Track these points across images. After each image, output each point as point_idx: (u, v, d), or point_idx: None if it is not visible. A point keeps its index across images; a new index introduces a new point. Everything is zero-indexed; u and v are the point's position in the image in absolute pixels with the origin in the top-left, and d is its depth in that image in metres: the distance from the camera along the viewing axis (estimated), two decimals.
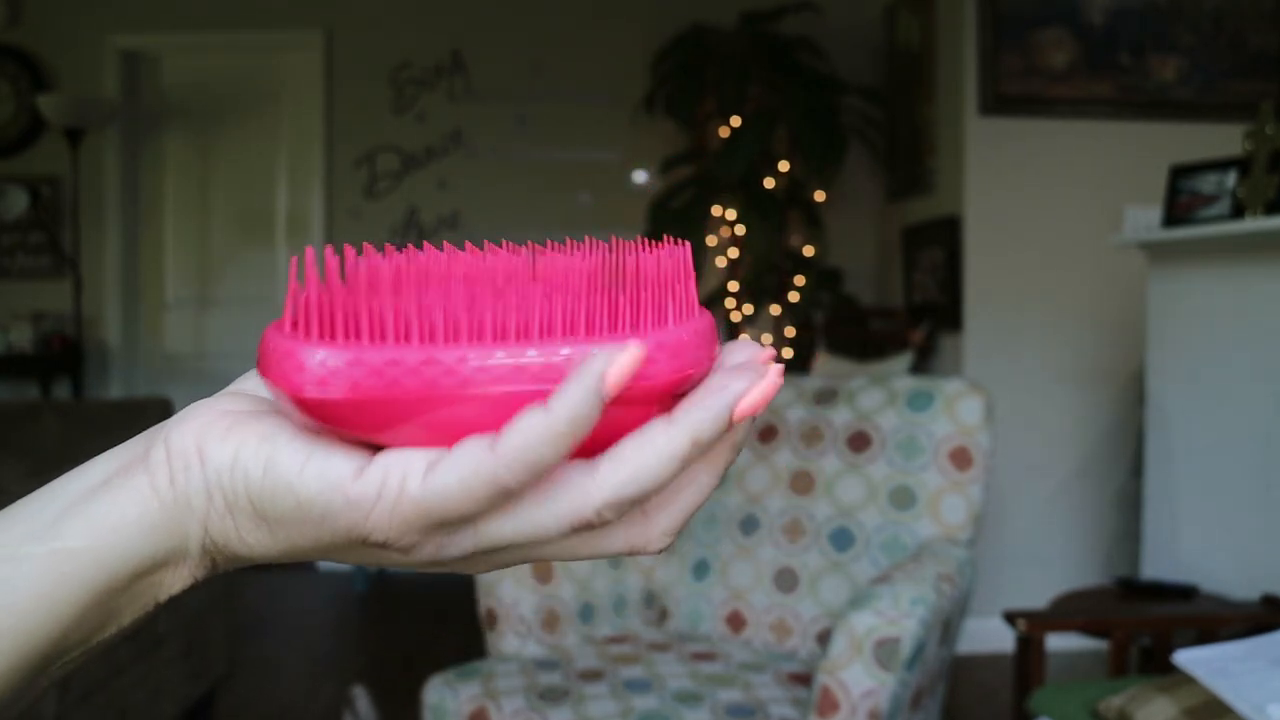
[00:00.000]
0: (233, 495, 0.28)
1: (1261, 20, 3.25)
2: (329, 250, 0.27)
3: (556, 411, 0.25)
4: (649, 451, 0.27)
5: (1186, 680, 1.49)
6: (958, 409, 2.02)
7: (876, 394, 2.13)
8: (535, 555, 0.30)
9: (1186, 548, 2.31)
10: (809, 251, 3.99)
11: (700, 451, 0.27)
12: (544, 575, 2.04)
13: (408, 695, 2.75)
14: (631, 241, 0.30)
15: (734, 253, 3.99)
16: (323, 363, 0.26)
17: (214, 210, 4.50)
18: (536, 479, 0.26)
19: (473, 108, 4.35)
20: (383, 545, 0.27)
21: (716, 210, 3.91)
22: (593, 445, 0.28)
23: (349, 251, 0.27)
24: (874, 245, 4.26)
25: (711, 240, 4.00)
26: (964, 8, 3.21)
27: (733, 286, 3.96)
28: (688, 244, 0.31)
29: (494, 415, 0.27)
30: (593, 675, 1.83)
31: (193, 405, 0.30)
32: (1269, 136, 2.10)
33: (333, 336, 0.27)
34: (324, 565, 4.40)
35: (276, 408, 0.29)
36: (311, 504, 0.27)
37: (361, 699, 2.01)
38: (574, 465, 0.28)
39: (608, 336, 0.28)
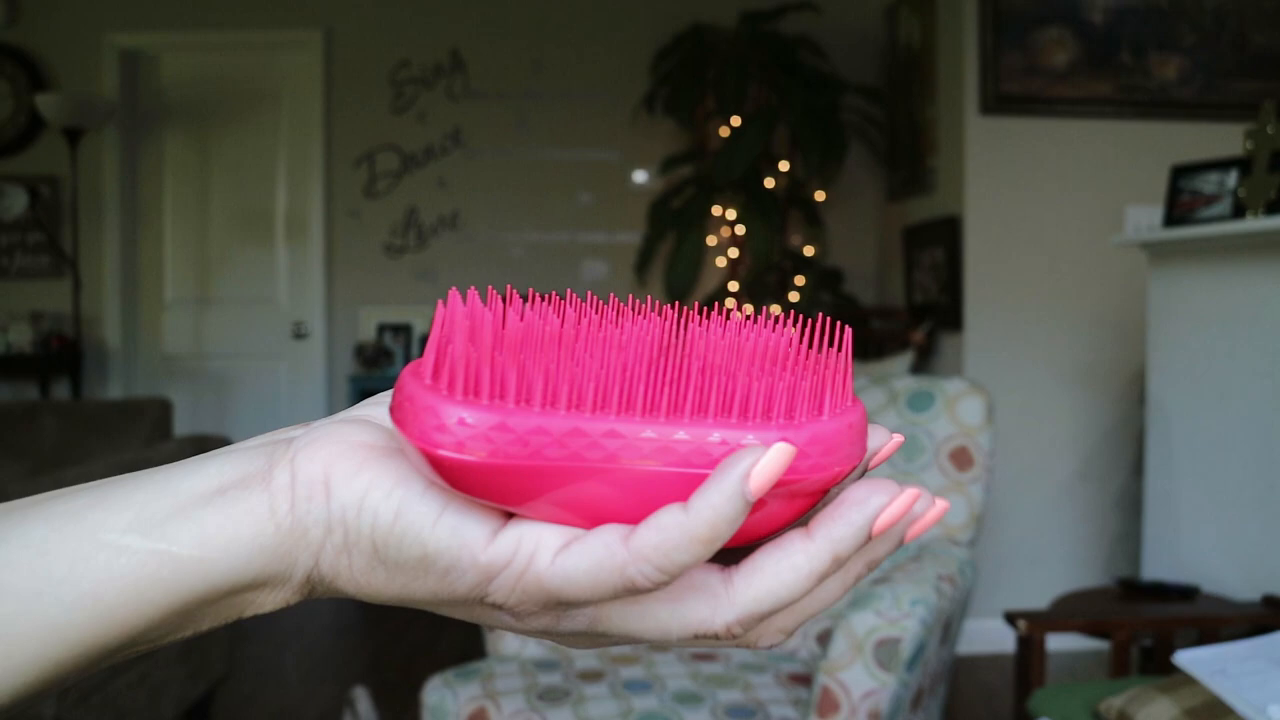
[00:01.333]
0: (355, 535, 0.27)
1: (1263, 20, 3.25)
2: (474, 296, 0.26)
3: (697, 513, 0.24)
4: (787, 569, 0.26)
5: (1187, 681, 1.48)
6: (958, 409, 2.02)
7: (877, 394, 2.12)
8: (647, 642, 0.29)
9: (1187, 548, 2.31)
10: (809, 251, 3.99)
11: (839, 567, 0.27)
12: None
13: (407, 695, 2.75)
14: (791, 320, 0.29)
15: (734, 253, 3.98)
16: (463, 422, 0.25)
17: (213, 210, 4.49)
18: (668, 581, 0.25)
19: (473, 107, 4.35)
20: (498, 608, 0.27)
21: (716, 210, 3.91)
22: (734, 538, 0.27)
23: (495, 300, 0.26)
24: (874, 245, 4.25)
25: (711, 240, 3.99)
26: (964, 7, 3.21)
27: (733, 286, 3.96)
28: (849, 329, 0.29)
29: (635, 495, 0.26)
30: (592, 676, 1.82)
31: (322, 426, 0.29)
32: (1270, 136, 2.10)
33: (476, 394, 0.25)
34: None
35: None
36: (439, 557, 0.26)
37: (362, 699, 2.00)
38: (709, 571, 0.27)
39: (762, 424, 0.26)
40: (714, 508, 0.24)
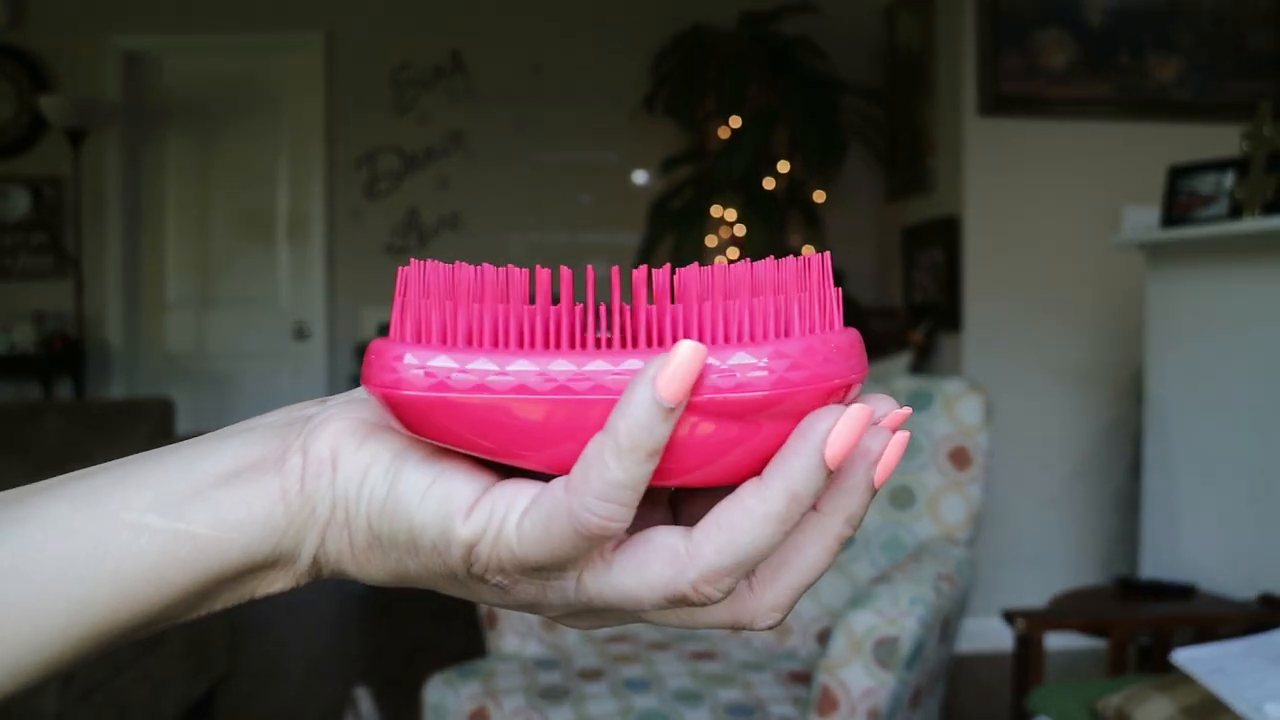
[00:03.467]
0: (355, 512, 0.27)
1: (1260, 21, 3.26)
2: (432, 262, 0.27)
3: (613, 427, 0.24)
4: (740, 515, 0.25)
5: (1185, 679, 1.49)
6: (957, 409, 2.02)
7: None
8: (641, 619, 0.28)
9: (1185, 547, 2.32)
10: (809, 251, 3.99)
11: (800, 507, 0.25)
12: None
13: (408, 694, 2.76)
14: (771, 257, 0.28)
15: (734, 253, 3.99)
16: (408, 361, 0.26)
17: (215, 210, 4.50)
18: (624, 516, 0.24)
19: (473, 108, 4.36)
20: (484, 580, 0.27)
21: (716, 210, 3.91)
22: (718, 476, 0.26)
23: (458, 266, 0.27)
24: (874, 245, 4.26)
25: (711, 240, 4.00)
26: (964, 8, 3.22)
27: None
28: (828, 255, 0.28)
29: (597, 430, 0.25)
30: (593, 674, 1.83)
31: (335, 405, 0.29)
32: (1267, 137, 2.11)
33: (428, 340, 0.26)
34: None
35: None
36: (425, 531, 0.26)
37: (364, 699, 2.01)
38: (671, 532, 0.26)
39: (719, 347, 0.25)
40: (629, 417, 0.23)
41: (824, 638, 1.98)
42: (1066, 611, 2.03)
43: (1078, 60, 3.22)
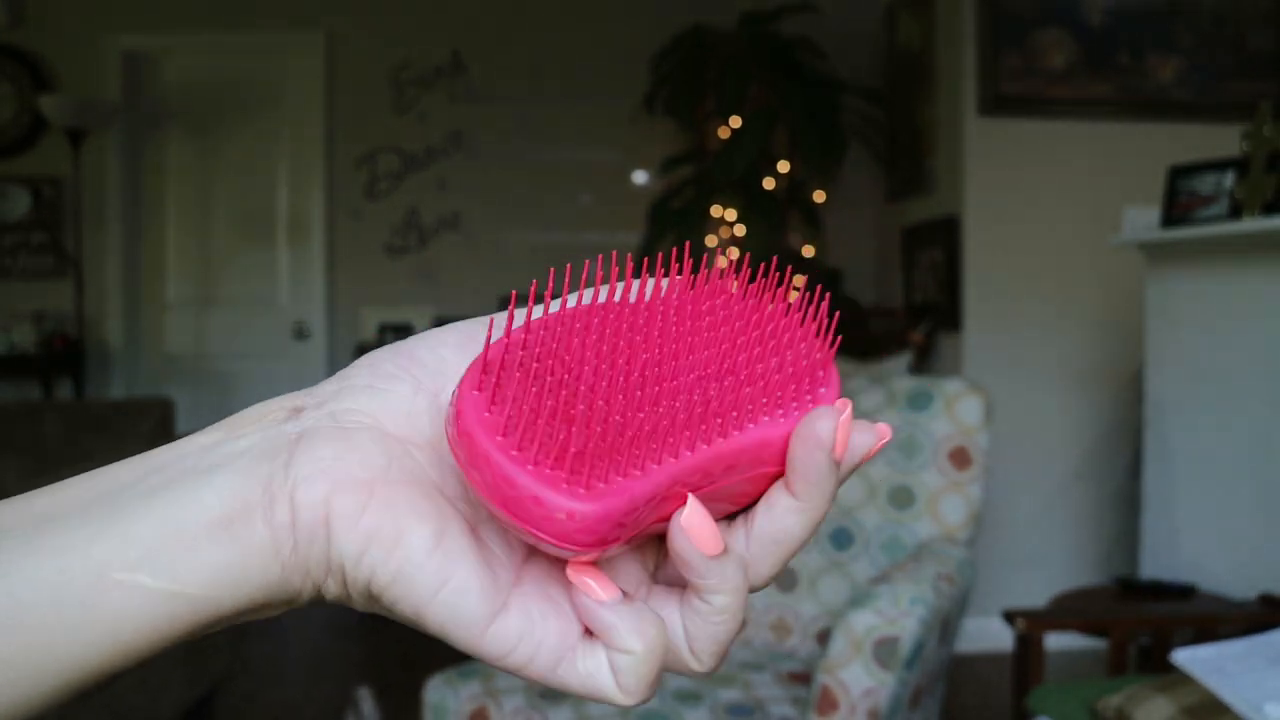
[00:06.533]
0: (353, 581, 0.27)
1: (1260, 21, 3.26)
2: (532, 319, 0.27)
3: (638, 671, 0.27)
4: (786, 529, 0.29)
5: (1185, 679, 1.49)
6: (957, 409, 2.02)
7: (876, 394, 2.13)
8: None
9: (1185, 547, 2.32)
10: (809, 251, 3.99)
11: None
12: None
13: (408, 695, 2.76)
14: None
15: (734, 253, 3.99)
16: (572, 515, 0.25)
17: (215, 210, 4.50)
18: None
19: (473, 108, 4.35)
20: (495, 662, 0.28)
21: (716, 210, 3.91)
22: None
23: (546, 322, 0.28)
24: (874, 245, 4.26)
25: (711, 240, 4.00)
26: (964, 8, 3.22)
27: None
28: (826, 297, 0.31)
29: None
30: None
31: (322, 448, 0.27)
32: (1267, 137, 2.11)
33: (551, 458, 0.26)
34: None
35: (407, 461, 0.28)
36: (429, 623, 0.27)
37: (366, 700, 2.01)
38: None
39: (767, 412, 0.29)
40: (645, 687, 0.27)
41: (824, 638, 1.97)
42: (1066, 611, 2.03)
43: (1078, 60, 3.22)
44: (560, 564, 0.28)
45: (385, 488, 0.26)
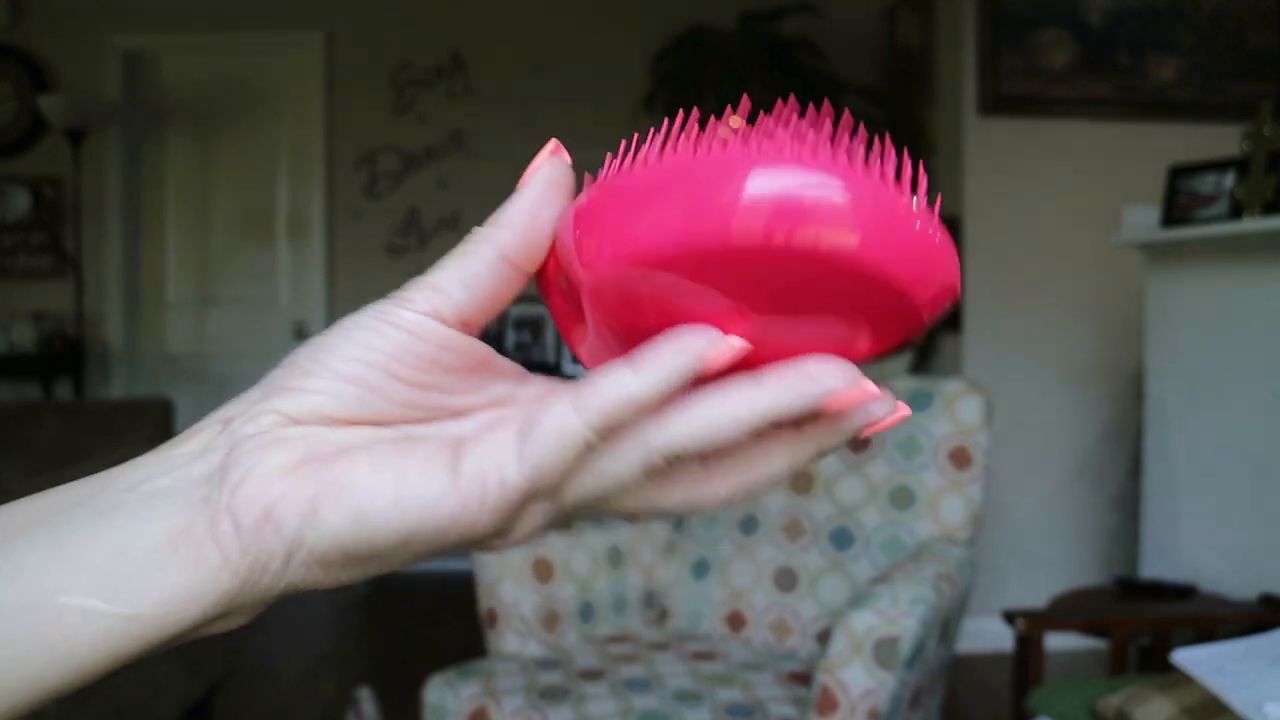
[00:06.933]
0: (320, 550, 0.26)
1: (1260, 21, 3.26)
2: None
3: (646, 380, 0.25)
4: (725, 417, 0.26)
5: (1185, 679, 1.49)
6: (957, 409, 2.02)
7: None
8: (604, 510, 0.29)
9: (1185, 547, 2.32)
10: None
11: (771, 426, 0.27)
12: (544, 575, 2.04)
13: (408, 695, 2.76)
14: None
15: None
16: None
17: (215, 210, 4.50)
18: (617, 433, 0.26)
19: (473, 108, 4.36)
20: (480, 541, 0.27)
21: None
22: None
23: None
24: None
25: None
26: (964, 8, 3.22)
27: None
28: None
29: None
30: (593, 675, 1.83)
31: (249, 456, 0.27)
32: (1267, 137, 2.11)
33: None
34: None
35: (331, 438, 0.28)
36: (417, 533, 0.26)
37: (367, 699, 2.01)
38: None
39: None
40: (662, 379, 0.25)
41: (824, 638, 1.98)
42: (1066, 611, 2.03)
43: (1077, 60, 3.22)
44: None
45: (316, 462, 0.27)
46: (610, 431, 0.26)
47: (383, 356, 0.28)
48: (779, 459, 0.29)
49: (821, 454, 0.29)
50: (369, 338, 0.28)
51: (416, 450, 0.27)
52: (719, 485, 0.29)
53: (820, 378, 0.26)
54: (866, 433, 0.28)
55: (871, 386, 0.27)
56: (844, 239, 0.23)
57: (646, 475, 0.27)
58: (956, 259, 0.26)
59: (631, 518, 0.30)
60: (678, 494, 0.29)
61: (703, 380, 0.27)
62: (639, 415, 0.25)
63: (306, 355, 0.29)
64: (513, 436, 0.26)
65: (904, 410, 0.28)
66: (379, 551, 0.27)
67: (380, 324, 0.29)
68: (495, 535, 0.28)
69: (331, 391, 0.28)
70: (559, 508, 0.28)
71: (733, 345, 0.25)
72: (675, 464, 0.27)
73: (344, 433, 0.28)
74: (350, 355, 0.28)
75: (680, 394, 0.27)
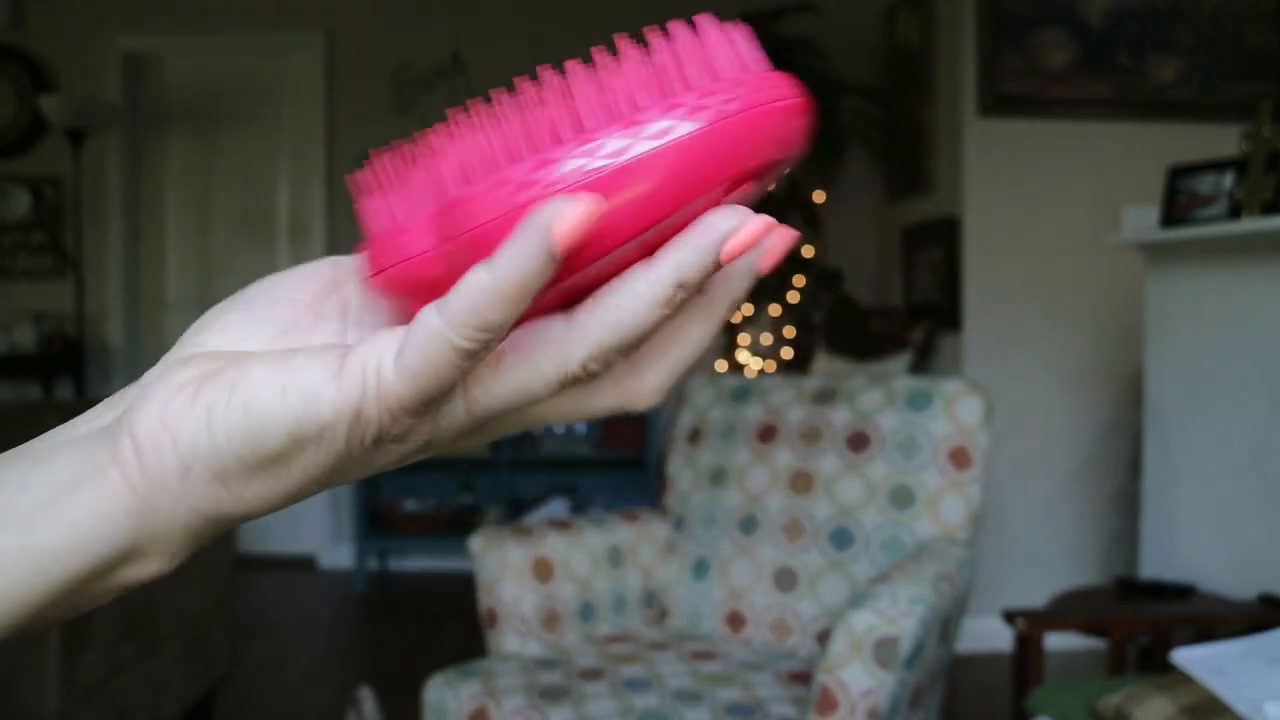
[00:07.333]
0: (216, 459, 0.26)
1: (1260, 21, 3.26)
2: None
3: (500, 271, 0.24)
4: (627, 296, 0.26)
5: (1184, 679, 1.49)
6: (957, 409, 2.03)
7: (876, 394, 2.13)
8: (531, 419, 0.29)
9: (1184, 547, 2.32)
10: (809, 251, 4.00)
11: (686, 293, 0.26)
12: (544, 575, 2.05)
13: (408, 695, 2.76)
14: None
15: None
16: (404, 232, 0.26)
17: (216, 210, 4.50)
18: (497, 339, 0.25)
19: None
20: (379, 440, 0.26)
21: None
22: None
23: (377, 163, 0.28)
24: (874, 245, 4.26)
25: None
26: (964, 8, 3.22)
27: None
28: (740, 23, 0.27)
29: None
30: (593, 674, 1.83)
31: (147, 384, 0.28)
32: (1266, 138, 2.11)
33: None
34: (324, 564, 4.40)
35: (232, 355, 0.28)
36: (304, 427, 0.26)
37: (368, 699, 2.01)
38: (554, 320, 0.27)
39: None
40: (517, 265, 0.24)
41: (824, 638, 1.98)
42: (1066, 611, 2.03)
43: (1077, 60, 3.22)
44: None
45: (211, 376, 0.27)
46: (491, 336, 0.24)
47: (293, 292, 0.30)
48: (697, 329, 0.28)
49: (733, 305, 0.28)
50: (282, 278, 0.31)
51: (309, 352, 0.27)
52: (650, 376, 0.29)
53: (713, 225, 0.26)
54: (767, 264, 0.28)
55: (762, 217, 0.26)
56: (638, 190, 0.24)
57: (564, 385, 0.27)
58: (763, 77, 0.25)
59: (565, 422, 0.29)
60: (608, 394, 0.29)
61: (578, 287, 0.26)
62: (507, 315, 0.24)
63: (226, 302, 0.30)
64: (394, 338, 0.26)
65: (791, 232, 0.28)
66: (271, 451, 0.26)
67: (294, 270, 0.31)
68: (398, 439, 0.27)
69: (243, 322, 0.29)
70: (472, 414, 0.27)
71: (584, 210, 0.24)
72: (602, 368, 0.26)
73: (248, 355, 0.28)
74: (267, 293, 0.30)
75: (554, 293, 0.26)
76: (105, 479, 0.27)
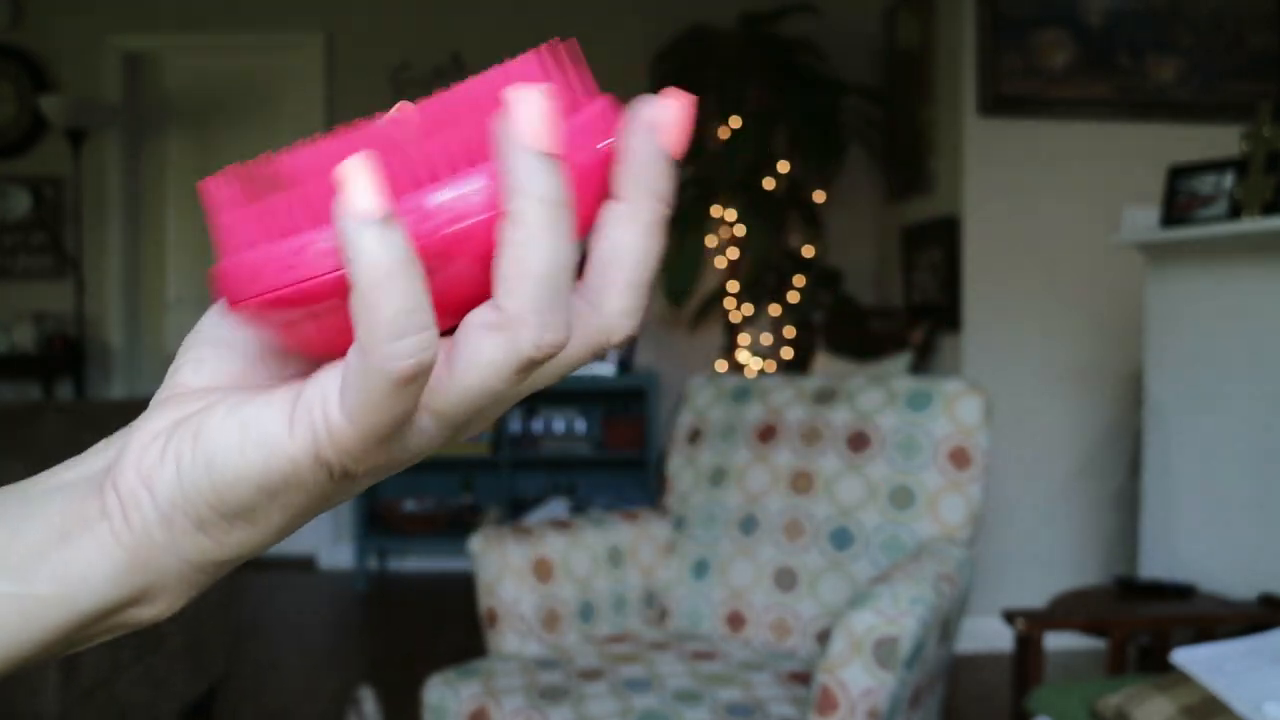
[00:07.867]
0: (193, 511, 0.26)
1: (1260, 21, 3.26)
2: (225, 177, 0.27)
3: (359, 283, 0.23)
4: (514, 255, 0.24)
5: (1184, 679, 1.49)
6: (957, 409, 2.03)
7: (876, 394, 2.13)
8: (502, 410, 0.28)
9: (1184, 547, 2.32)
10: (809, 252, 4.00)
11: (559, 207, 0.23)
12: (544, 575, 2.04)
13: (408, 695, 2.76)
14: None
15: (734, 253, 3.99)
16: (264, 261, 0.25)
17: None
18: (429, 341, 0.23)
19: None
20: (347, 474, 0.26)
21: (716, 210, 3.91)
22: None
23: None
24: (873, 245, 4.26)
25: (711, 240, 4.00)
26: (964, 8, 3.22)
27: (732, 287, 3.97)
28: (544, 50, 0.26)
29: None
30: (593, 674, 1.83)
31: (128, 435, 0.28)
32: (1266, 138, 2.11)
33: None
34: (324, 564, 4.40)
35: (203, 397, 0.28)
36: (269, 479, 0.25)
37: (368, 699, 2.01)
38: (476, 311, 0.25)
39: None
40: (364, 267, 0.23)
41: (824, 638, 1.98)
42: (1066, 611, 2.03)
43: (1077, 60, 3.22)
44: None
45: (181, 425, 0.27)
46: (418, 356, 0.23)
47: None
48: (629, 237, 0.26)
49: (661, 199, 0.26)
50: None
51: (266, 396, 0.26)
52: (608, 304, 0.27)
53: (505, 125, 0.24)
54: (673, 141, 0.26)
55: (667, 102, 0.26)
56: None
57: (527, 371, 0.25)
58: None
59: (548, 384, 0.28)
60: (576, 343, 0.27)
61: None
62: (425, 316, 0.23)
63: (197, 333, 0.30)
64: (338, 375, 0.25)
65: (676, 95, 0.26)
66: (241, 502, 0.26)
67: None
68: (370, 470, 0.26)
69: (215, 357, 0.29)
70: (441, 425, 0.26)
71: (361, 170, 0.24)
72: (561, 336, 0.25)
73: (217, 393, 0.28)
74: (235, 323, 0.29)
75: (471, 284, 0.25)
76: (97, 534, 0.27)
